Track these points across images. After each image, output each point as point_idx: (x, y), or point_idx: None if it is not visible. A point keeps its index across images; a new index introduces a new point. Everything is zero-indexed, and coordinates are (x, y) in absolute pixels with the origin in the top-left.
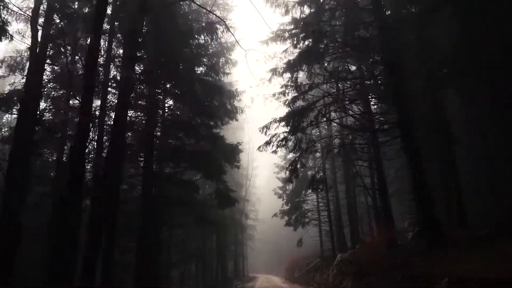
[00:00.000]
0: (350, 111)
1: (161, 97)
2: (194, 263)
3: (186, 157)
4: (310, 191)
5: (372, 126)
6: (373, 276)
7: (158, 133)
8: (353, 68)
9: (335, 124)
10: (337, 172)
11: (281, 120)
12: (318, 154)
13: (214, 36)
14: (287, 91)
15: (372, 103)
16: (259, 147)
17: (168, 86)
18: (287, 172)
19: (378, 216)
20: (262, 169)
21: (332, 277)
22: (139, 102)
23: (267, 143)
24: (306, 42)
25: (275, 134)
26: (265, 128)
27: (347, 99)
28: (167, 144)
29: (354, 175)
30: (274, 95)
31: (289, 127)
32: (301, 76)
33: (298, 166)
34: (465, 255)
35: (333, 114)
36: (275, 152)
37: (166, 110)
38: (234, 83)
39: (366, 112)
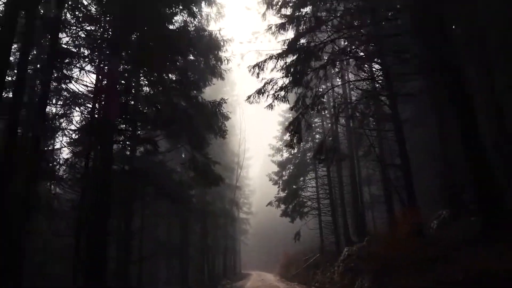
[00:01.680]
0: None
1: None
2: (178, 258)
3: (145, 115)
4: (312, 175)
5: (388, 73)
6: (404, 274)
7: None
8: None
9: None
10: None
11: (279, 56)
12: (318, 133)
13: None
14: (287, 25)
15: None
16: (249, 96)
17: None
18: (288, 134)
19: (390, 202)
20: (256, 159)
21: (339, 275)
22: None
23: (260, 92)
24: None
25: (271, 80)
26: (257, 67)
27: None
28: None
29: (366, 148)
30: (269, 28)
31: (289, 77)
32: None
33: (302, 126)
34: None
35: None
36: (270, 107)
37: None
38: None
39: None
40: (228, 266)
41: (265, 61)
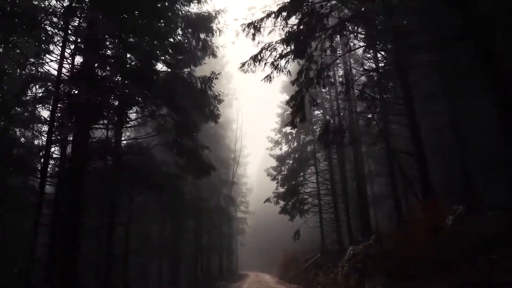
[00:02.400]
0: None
1: None
2: (170, 258)
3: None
4: (312, 170)
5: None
6: (425, 276)
7: None
8: None
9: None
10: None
11: (279, 13)
12: (319, 125)
13: None
14: None
15: None
16: (243, 64)
17: None
18: (289, 109)
19: (397, 196)
20: (254, 157)
21: (343, 276)
22: None
23: (256, 59)
24: None
25: (269, 45)
26: (252, 27)
27: None
28: None
29: (376, 134)
30: None
31: (290, 45)
32: None
33: (306, 101)
34: None
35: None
36: (268, 79)
37: None
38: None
39: None
40: (224, 266)
41: (262, 20)
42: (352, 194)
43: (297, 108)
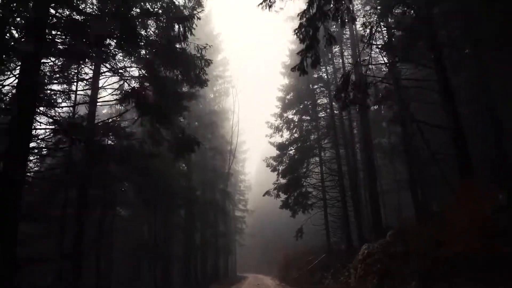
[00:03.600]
0: None
1: None
2: (161, 259)
3: None
4: (316, 160)
5: None
6: (476, 279)
7: None
8: None
9: None
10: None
11: None
12: (324, 116)
13: None
14: None
15: None
16: None
17: None
18: (299, 37)
19: (415, 185)
20: (252, 152)
21: (357, 279)
22: None
23: None
24: None
25: None
26: None
27: None
28: None
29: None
30: None
31: None
32: None
33: (319, 37)
34: None
35: None
36: (268, 4)
37: None
38: None
39: None
40: (221, 267)
41: None
42: (360, 186)
43: (309, 43)
